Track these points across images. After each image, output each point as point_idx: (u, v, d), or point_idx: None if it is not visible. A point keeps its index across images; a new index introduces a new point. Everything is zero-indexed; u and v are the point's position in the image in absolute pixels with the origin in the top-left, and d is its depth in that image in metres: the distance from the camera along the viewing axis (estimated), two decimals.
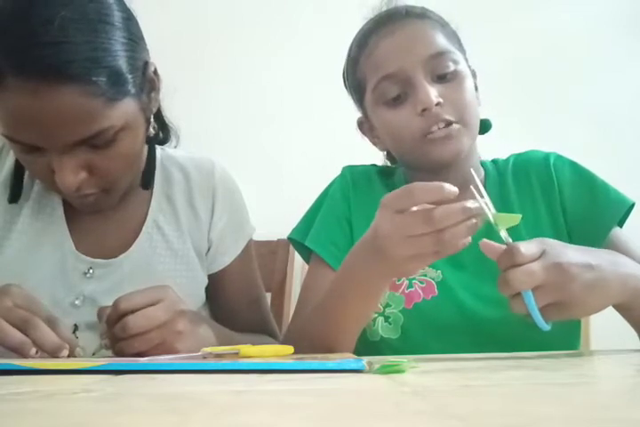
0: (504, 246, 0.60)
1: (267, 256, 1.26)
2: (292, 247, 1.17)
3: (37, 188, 0.84)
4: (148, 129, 0.81)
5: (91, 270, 0.81)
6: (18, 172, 0.83)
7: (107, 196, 0.77)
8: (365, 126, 0.92)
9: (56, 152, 0.69)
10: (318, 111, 1.61)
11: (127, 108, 0.71)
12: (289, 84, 1.65)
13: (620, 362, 0.61)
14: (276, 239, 1.28)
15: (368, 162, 0.98)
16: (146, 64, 0.75)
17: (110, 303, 0.68)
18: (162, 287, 0.69)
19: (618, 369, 0.54)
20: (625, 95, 1.71)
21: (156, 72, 0.78)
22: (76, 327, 0.75)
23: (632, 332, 0.76)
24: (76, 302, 0.79)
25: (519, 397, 0.35)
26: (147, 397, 0.35)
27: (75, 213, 0.84)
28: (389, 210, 0.60)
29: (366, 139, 0.94)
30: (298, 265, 1.29)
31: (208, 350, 0.58)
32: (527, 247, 0.59)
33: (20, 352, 0.60)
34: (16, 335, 0.60)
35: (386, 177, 0.95)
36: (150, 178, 0.88)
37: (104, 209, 0.82)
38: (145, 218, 0.86)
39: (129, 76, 0.70)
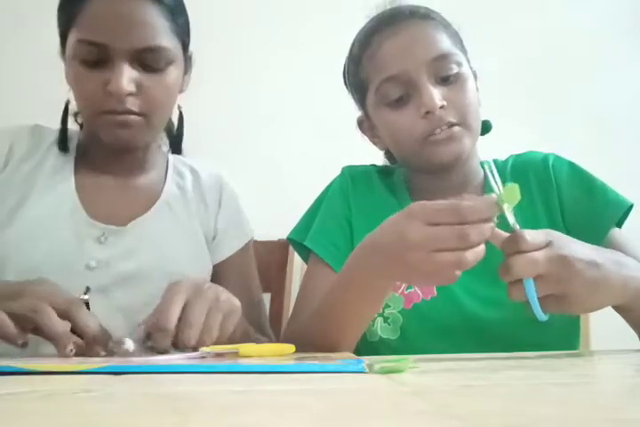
0: (508, 234, 0.60)
1: (266, 256, 1.26)
2: (291, 247, 1.16)
3: (52, 162, 0.88)
4: (175, 101, 0.89)
5: (104, 236, 0.84)
6: (63, 124, 0.91)
7: (141, 126, 0.82)
8: (365, 125, 0.92)
9: (118, 60, 0.78)
10: (318, 111, 1.61)
11: (178, 49, 0.84)
12: (289, 85, 1.65)
13: (620, 362, 0.61)
14: (275, 239, 1.28)
15: (368, 162, 0.98)
16: (188, 45, 0.88)
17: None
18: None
19: (618, 369, 0.54)
20: (625, 95, 1.70)
21: (191, 59, 0.91)
22: (87, 289, 0.76)
23: (632, 332, 0.76)
24: (92, 263, 0.82)
25: (519, 397, 0.35)
26: (147, 397, 0.35)
27: (86, 182, 0.88)
28: (420, 221, 0.58)
29: (366, 138, 0.94)
30: (298, 265, 1.29)
31: (207, 349, 0.58)
32: (533, 235, 0.60)
33: (57, 342, 0.59)
34: (59, 324, 0.60)
35: (385, 177, 0.95)
36: (180, 143, 0.98)
37: (131, 146, 0.86)
38: (157, 198, 0.91)
39: (182, 33, 0.85)
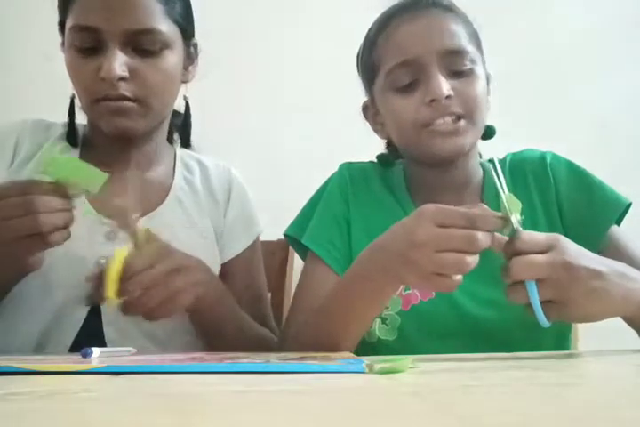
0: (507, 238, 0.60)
1: (266, 256, 1.25)
2: (291, 248, 1.16)
3: None
4: (178, 89, 0.89)
5: (113, 232, 0.83)
6: (71, 120, 0.91)
7: (138, 113, 0.81)
8: (370, 111, 0.91)
9: (111, 44, 0.78)
10: (318, 108, 1.60)
11: (175, 34, 0.83)
12: (288, 84, 1.65)
13: (619, 362, 0.61)
14: (275, 239, 1.28)
15: (368, 161, 0.98)
16: (192, 35, 0.89)
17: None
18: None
19: (618, 369, 0.54)
20: (627, 95, 1.70)
21: (196, 48, 0.91)
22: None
23: (631, 332, 0.75)
24: (102, 261, 0.81)
25: (519, 397, 0.35)
26: (147, 397, 0.35)
27: None
28: (431, 221, 0.60)
29: (368, 126, 0.92)
30: (297, 265, 1.28)
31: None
32: (533, 237, 0.60)
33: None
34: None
35: (384, 174, 0.94)
36: (188, 136, 0.98)
37: (131, 135, 0.85)
38: (167, 193, 0.91)
39: (179, 18, 0.84)
